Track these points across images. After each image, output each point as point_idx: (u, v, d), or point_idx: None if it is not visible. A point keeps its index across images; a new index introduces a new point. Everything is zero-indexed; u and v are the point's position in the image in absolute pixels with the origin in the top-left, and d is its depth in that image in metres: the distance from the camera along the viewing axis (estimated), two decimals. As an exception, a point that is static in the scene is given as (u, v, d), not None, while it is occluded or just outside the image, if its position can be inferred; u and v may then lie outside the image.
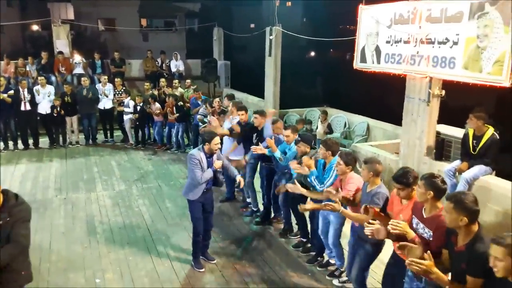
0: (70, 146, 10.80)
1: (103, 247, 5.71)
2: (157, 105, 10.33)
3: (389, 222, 3.17)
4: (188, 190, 5.06)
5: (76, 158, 9.87)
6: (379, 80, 9.39)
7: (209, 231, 5.37)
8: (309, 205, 4.54)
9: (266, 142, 5.70)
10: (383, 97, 19.55)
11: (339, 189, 4.33)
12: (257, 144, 5.86)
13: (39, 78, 10.63)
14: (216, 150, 4.91)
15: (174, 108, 10.03)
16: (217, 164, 4.92)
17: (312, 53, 37.68)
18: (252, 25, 31.76)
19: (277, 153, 5.56)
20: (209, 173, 4.88)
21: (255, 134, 6.27)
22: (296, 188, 4.71)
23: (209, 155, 4.91)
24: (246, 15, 32.62)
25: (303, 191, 4.71)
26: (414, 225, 3.24)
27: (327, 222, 4.86)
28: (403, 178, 3.42)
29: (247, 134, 6.43)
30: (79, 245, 5.77)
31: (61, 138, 10.77)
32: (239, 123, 6.63)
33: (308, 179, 4.80)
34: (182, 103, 10.10)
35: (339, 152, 4.60)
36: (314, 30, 21.36)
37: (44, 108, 10.25)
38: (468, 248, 2.73)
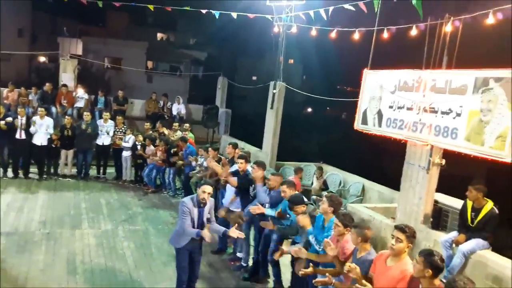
0: (60, 179, 10.58)
1: (81, 289, 5.41)
2: (152, 147, 10.26)
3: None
4: (175, 237, 4.91)
5: (65, 192, 9.63)
6: (375, 142, 9.42)
7: (194, 282, 5.11)
8: (311, 269, 4.17)
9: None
10: (378, 159, 19.68)
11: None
12: (254, 197, 5.74)
13: (39, 109, 10.51)
14: (203, 198, 4.71)
15: (166, 152, 9.95)
16: (206, 234, 4.68)
17: (309, 109, 38.54)
18: (254, 78, 32.71)
19: (269, 211, 5.46)
20: (192, 233, 4.70)
21: (253, 186, 6.15)
22: (301, 252, 4.44)
23: (201, 204, 4.76)
24: (248, 67, 33.78)
25: (311, 255, 4.41)
26: None
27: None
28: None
29: (245, 185, 6.32)
30: (56, 284, 5.46)
31: (52, 170, 10.58)
32: (236, 172, 6.52)
33: (308, 238, 4.64)
34: (175, 149, 9.98)
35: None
36: (312, 88, 21.98)
37: (40, 139, 10.03)
38: None
